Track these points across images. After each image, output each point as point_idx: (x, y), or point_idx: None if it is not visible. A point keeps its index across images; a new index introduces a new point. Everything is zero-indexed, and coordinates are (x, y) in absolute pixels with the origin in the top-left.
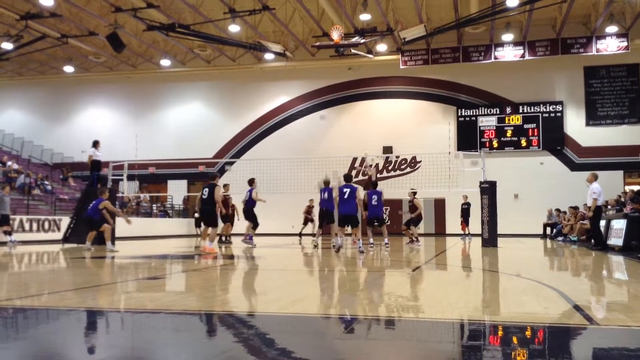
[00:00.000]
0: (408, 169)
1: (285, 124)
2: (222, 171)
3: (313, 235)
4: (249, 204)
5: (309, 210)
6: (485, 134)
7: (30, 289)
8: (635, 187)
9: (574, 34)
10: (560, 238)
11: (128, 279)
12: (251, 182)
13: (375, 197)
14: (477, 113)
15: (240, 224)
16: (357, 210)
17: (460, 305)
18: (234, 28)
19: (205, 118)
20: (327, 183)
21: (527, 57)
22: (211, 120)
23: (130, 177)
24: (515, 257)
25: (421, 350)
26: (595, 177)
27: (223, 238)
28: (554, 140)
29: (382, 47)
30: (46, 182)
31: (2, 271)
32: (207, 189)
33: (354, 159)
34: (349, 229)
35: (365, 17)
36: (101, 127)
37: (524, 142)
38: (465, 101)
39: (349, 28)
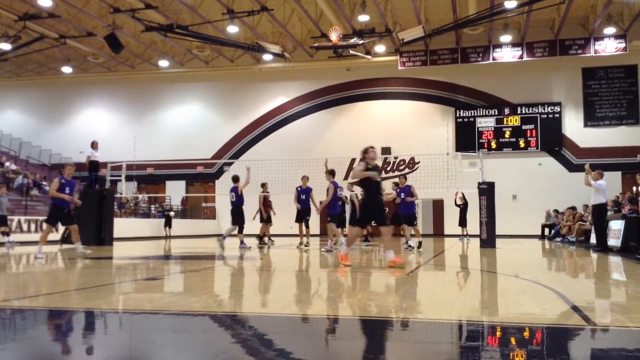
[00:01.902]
0: (406, 170)
1: (284, 125)
2: (220, 172)
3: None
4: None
5: None
6: (484, 135)
7: (28, 290)
8: None
9: (572, 35)
10: (558, 239)
11: (126, 279)
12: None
13: (303, 196)
14: (476, 114)
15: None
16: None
17: (458, 306)
18: (232, 29)
19: (203, 119)
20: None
21: (525, 58)
22: (209, 121)
23: (129, 178)
24: (514, 258)
25: (419, 351)
26: (601, 175)
27: (265, 239)
28: (552, 141)
29: (380, 48)
30: (44, 183)
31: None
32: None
33: (353, 160)
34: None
35: (363, 18)
36: (99, 127)
37: (522, 143)
38: (463, 102)
39: (348, 29)
